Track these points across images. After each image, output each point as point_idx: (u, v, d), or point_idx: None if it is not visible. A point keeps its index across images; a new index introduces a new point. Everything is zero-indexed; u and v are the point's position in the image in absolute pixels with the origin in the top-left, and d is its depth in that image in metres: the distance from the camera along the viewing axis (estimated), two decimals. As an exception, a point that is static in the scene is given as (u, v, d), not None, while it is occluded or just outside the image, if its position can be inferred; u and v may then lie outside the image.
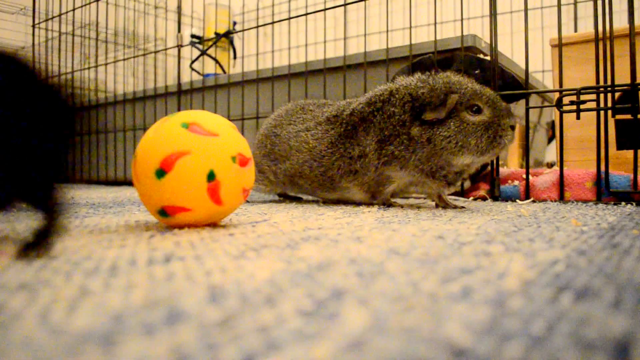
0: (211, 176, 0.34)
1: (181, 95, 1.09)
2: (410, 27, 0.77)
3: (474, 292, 0.18)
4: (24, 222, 0.38)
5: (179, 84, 1.08)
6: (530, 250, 0.27)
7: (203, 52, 1.03)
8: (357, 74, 0.86)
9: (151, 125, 0.37)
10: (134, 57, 1.39)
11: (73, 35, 1.52)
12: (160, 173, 0.34)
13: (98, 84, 1.57)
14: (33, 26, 1.53)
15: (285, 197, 0.73)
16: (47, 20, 1.51)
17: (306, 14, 0.93)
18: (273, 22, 0.97)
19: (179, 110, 1.08)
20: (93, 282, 0.20)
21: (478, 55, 0.73)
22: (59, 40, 1.49)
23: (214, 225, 0.38)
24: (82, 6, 1.43)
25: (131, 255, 0.25)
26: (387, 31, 0.80)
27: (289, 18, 0.96)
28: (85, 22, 1.52)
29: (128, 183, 1.23)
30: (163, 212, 0.35)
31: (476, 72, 0.69)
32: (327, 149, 0.58)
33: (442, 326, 0.14)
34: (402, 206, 0.57)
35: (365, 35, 0.84)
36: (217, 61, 1.02)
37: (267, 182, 0.65)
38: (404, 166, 0.54)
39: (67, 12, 1.47)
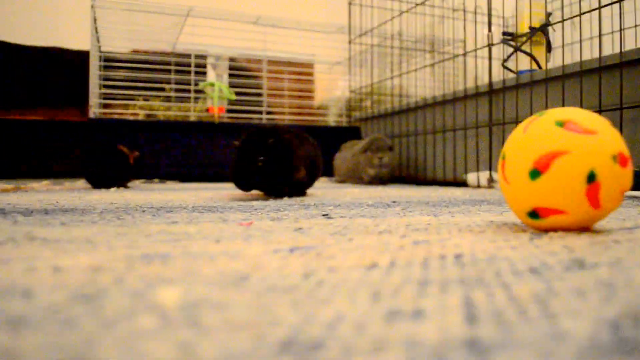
0: (591, 177, 0.32)
1: (492, 95, 1.07)
2: None
3: None
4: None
5: (490, 84, 1.07)
6: None
7: (517, 49, 0.99)
8: None
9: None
10: (441, 61, 1.42)
11: (381, 46, 1.65)
12: (535, 173, 0.33)
13: (402, 90, 1.67)
14: (349, 42, 1.71)
15: None
16: (360, 35, 1.67)
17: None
18: (599, 7, 0.87)
19: (490, 110, 1.06)
20: (517, 285, 0.20)
21: None
22: (371, 53, 1.63)
23: (586, 230, 0.35)
24: (391, 19, 1.54)
25: (533, 257, 0.25)
26: None
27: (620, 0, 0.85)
28: (393, 33, 1.63)
29: (437, 183, 1.26)
30: (534, 214, 0.34)
31: None
32: None
33: None
34: None
35: None
36: (532, 57, 0.97)
37: None
38: None
39: (377, 27, 1.61)
